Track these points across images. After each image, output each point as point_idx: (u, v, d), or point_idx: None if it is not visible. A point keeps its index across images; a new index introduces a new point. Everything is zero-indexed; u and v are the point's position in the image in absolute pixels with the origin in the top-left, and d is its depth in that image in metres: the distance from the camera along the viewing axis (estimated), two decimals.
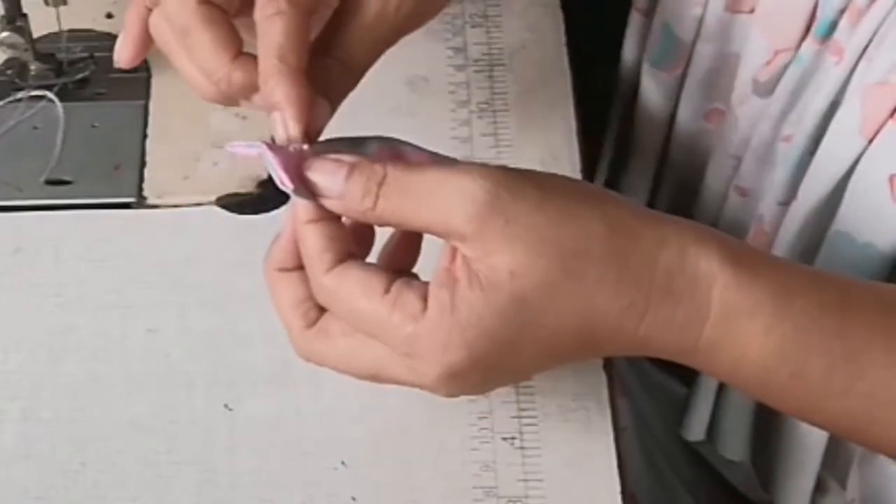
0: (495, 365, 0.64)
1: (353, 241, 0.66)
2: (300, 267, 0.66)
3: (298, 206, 0.65)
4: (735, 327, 0.64)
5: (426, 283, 0.64)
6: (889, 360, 0.65)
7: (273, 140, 0.66)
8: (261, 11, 0.66)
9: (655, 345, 0.65)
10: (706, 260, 0.64)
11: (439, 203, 0.63)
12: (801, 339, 0.64)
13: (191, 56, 0.68)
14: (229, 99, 0.69)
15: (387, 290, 0.64)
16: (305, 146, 0.65)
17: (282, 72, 0.65)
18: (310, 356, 0.67)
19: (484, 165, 0.65)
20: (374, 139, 0.67)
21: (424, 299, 0.63)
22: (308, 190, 0.65)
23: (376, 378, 0.66)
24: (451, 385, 0.65)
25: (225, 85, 0.67)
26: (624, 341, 0.65)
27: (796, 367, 0.64)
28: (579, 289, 0.63)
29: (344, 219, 0.66)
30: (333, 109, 0.68)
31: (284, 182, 0.64)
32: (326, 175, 0.65)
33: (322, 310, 0.66)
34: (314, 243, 0.65)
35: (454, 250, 0.64)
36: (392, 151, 0.67)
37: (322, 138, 0.67)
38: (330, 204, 0.65)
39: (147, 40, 0.73)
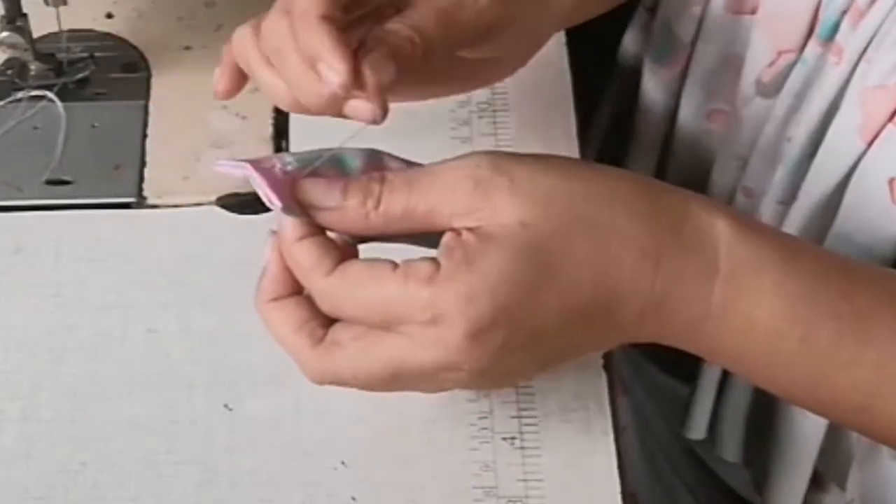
0: (518, 320, 0.63)
1: (348, 249, 0.66)
2: (294, 292, 0.66)
3: (287, 227, 0.65)
4: (744, 283, 0.64)
5: (432, 258, 0.63)
6: (894, 325, 0.65)
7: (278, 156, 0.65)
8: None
9: (672, 304, 0.64)
10: (709, 217, 0.65)
11: (443, 182, 0.64)
12: (809, 299, 0.65)
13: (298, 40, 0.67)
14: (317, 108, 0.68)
15: (395, 268, 0.63)
16: (289, 167, 0.65)
17: (321, 23, 0.64)
18: (325, 375, 0.66)
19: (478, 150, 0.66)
20: (357, 151, 0.67)
21: (436, 264, 0.63)
22: (298, 209, 0.64)
23: (398, 374, 0.64)
24: (477, 349, 0.63)
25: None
26: (642, 295, 0.64)
27: (805, 330, 0.65)
28: (591, 235, 0.63)
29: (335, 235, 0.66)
30: (400, 72, 0.67)
31: (272, 201, 0.64)
32: (321, 192, 0.64)
33: (327, 326, 0.65)
34: (308, 256, 0.64)
35: (459, 231, 0.64)
36: (375, 163, 0.67)
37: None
38: (329, 216, 0.64)
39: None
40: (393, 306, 0.63)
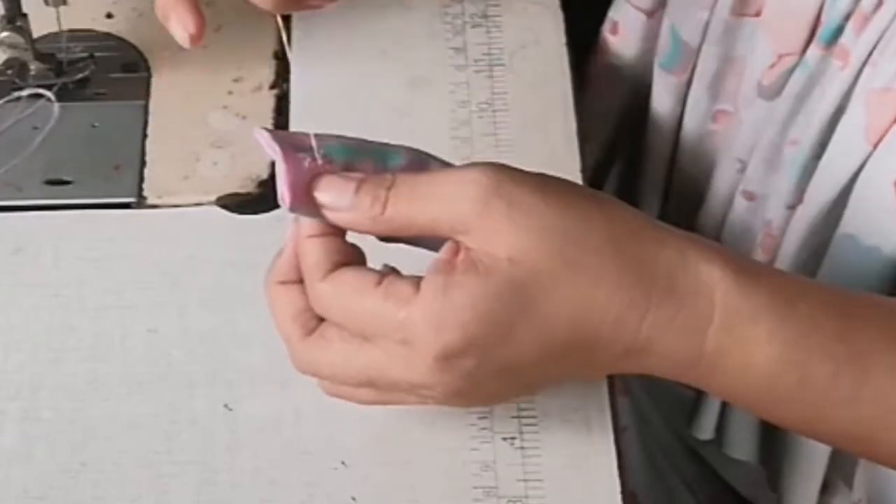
0: (490, 351, 0.64)
1: (353, 253, 0.67)
2: (301, 280, 0.67)
3: (303, 221, 0.66)
4: (739, 332, 0.64)
5: (419, 277, 0.64)
6: (893, 364, 0.65)
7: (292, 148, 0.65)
8: None
9: (657, 350, 0.64)
10: (707, 265, 0.64)
11: (445, 192, 0.64)
12: (804, 344, 0.64)
13: None
14: None
15: (379, 283, 0.64)
16: (322, 158, 0.65)
17: None
18: (307, 366, 0.68)
19: (489, 161, 0.66)
20: (402, 149, 0.67)
21: (417, 286, 0.64)
22: (313, 204, 0.65)
23: (373, 383, 0.66)
24: (446, 372, 0.64)
25: None
26: (624, 341, 0.64)
27: (801, 372, 0.64)
28: (579, 278, 0.63)
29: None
30: None
31: (284, 198, 0.65)
32: (335, 191, 0.65)
33: (321, 320, 0.67)
34: (313, 255, 0.66)
35: (457, 245, 0.64)
36: (417, 164, 0.67)
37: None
38: (338, 216, 0.65)
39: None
40: (369, 321, 0.64)
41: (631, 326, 0.64)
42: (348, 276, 0.65)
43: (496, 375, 0.66)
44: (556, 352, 0.65)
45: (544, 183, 0.65)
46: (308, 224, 0.66)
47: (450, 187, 0.64)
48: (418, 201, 0.64)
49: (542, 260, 0.63)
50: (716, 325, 0.64)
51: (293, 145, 0.65)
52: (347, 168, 0.66)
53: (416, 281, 0.64)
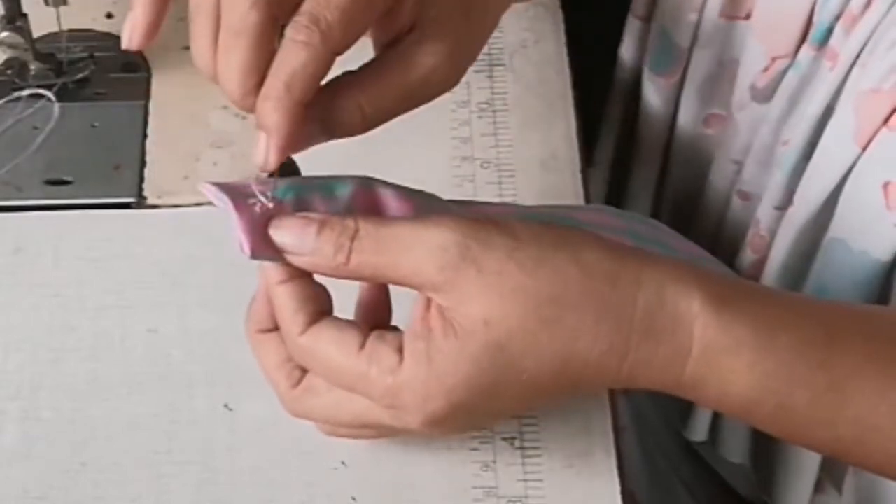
0: (477, 408, 0.65)
1: (325, 297, 0.66)
2: (278, 326, 0.67)
3: (268, 269, 0.65)
4: (717, 365, 0.64)
5: (401, 335, 0.65)
6: (875, 386, 0.64)
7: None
8: (291, 31, 0.63)
9: (639, 382, 0.65)
10: (686, 299, 0.64)
11: (412, 257, 0.63)
12: (784, 374, 0.64)
13: (219, 55, 0.65)
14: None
15: (362, 347, 0.64)
16: (271, 204, 0.64)
17: (282, 99, 0.63)
18: (299, 413, 0.69)
19: (454, 217, 0.64)
20: (348, 178, 0.67)
21: (400, 351, 0.64)
22: (273, 249, 0.64)
23: (365, 426, 0.67)
24: (436, 429, 0.65)
25: (235, 103, 0.65)
26: (607, 381, 0.65)
27: (781, 399, 0.64)
28: (557, 335, 0.63)
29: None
30: (329, 139, 0.66)
31: (243, 247, 0.64)
32: (295, 234, 0.64)
33: (305, 368, 0.67)
34: (286, 305, 0.65)
35: (428, 301, 0.64)
36: (368, 195, 0.66)
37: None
38: (300, 261, 0.64)
39: (161, 18, 0.69)
40: (356, 383, 0.65)
41: (612, 370, 0.64)
42: (328, 334, 0.65)
43: (483, 422, 0.70)
44: (539, 396, 0.66)
45: (514, 237, 0.64)
46: (274, 270, 0.65)
47: (416, 250, 0.63)
48: (384, 258, 0.64)
49: (518, 322, 0.63)
50: (694, 357, 0.64)
51: (242, 193, 0.64)
52: (299, 206, 0.65)
53: (398, 344, 0.64)
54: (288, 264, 0.65)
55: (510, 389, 0.64)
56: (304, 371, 0.67)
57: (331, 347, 0.65)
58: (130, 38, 0.69)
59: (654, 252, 0.66)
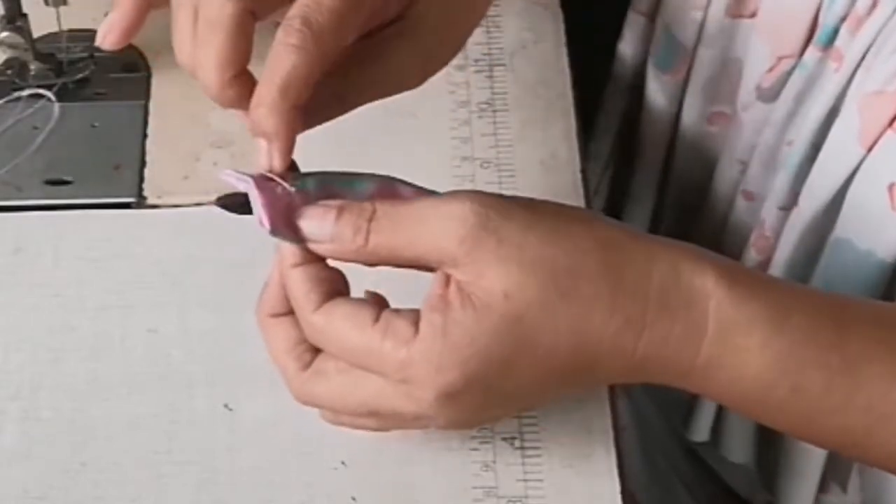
0: (491, 386, 0.64)
1: (339, 279, 0.66)
2: (292, 311, 0.67)
3: (284, 251, 0.66)
4: (732, 343, 0.64)
5: (416, 311, 0.64)
6: (886, 371, 0.64)
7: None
8: (283, 34, 0.63)
9: (653, 366, 0.65)
10: (700, 277, 0.64)
11: (431, 229, 0.63)
12: (798, 353, 0.64)
13: (196, 48, 0.65)
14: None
15: (376, 320, 0.64)
16: (293, 189, 0.65)
17: (276, 103, 0.63)
18: (306, 398, 0.68)
19: (472, 191, 0.65)
20: (369, 176, 0.67)
21: (415, 325, 0.64)
22: (293, 233, 0.65)
23: (374, 413, 0.67)
24: (449, 407, 0.64)
25: (214, 97, 0.66)
26: (622, 361, 0.64)
27: (794, 381, 0.64)
28: (574, 307, 0.63)
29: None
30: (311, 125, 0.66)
31: (263, 222, 0.65)
32: (315, 221, 0.65)
33: (316, 352, 0.67)
34: (300, 285, 0.65)
35: (447, 277, 0.64)
36: (387, 189, 0.67)
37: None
38: (321, 248, 0.65)
39: (139, 24, 0.70)
40: (369, 358, 0.64)
41: (628, 347, 0.64)
42: (342, 309, 0.65)
43: (497, 404, 0.67)
44: (555, 377, 0.65)
45: (532, 210, 0.64)
46: (290, 252, 0.65)
47: (435, 223, 0.64)
48: (402, 235, 0.64)
49: (537, 293, 0.63)
50: (709, 337, 0.64)
51: (265, 177, 0.65)
52: (320, 196, 0.66)
53: (414, 318, 0.64)
54: (305, 248, 0.65)
55: (526, 366, 0.64)
56: (315, 355, 0.67)
57: (345, 322, 0.64)
58: (104, 37, 0.71)
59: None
